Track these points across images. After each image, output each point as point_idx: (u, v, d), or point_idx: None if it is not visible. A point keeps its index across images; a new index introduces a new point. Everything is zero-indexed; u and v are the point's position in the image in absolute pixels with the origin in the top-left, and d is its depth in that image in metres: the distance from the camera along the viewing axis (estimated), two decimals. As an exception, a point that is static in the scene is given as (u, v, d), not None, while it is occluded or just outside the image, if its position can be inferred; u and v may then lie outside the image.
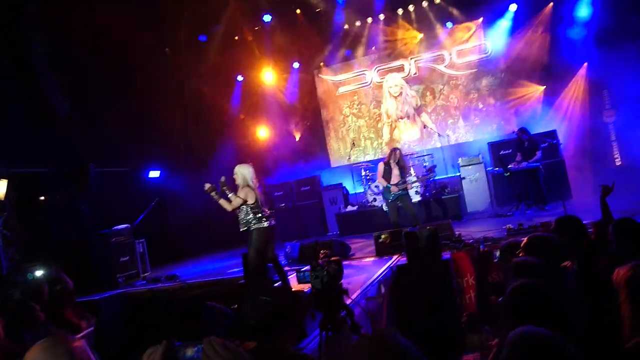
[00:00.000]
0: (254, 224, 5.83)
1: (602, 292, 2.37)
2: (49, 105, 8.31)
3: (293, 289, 5.30)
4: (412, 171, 9.46)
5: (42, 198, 8.76)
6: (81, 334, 4.79)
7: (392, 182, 8.11)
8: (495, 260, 3.23)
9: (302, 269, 4.12)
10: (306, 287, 4.13)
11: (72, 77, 9.18)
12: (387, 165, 8.25)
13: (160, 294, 7.36)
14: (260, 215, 5.84)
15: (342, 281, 2.81)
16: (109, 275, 8.10)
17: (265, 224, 5.85)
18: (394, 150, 8.46)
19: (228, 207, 5.79)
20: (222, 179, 5.92)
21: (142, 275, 8.76)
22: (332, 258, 2.68)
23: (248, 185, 5.86)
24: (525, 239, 2.88)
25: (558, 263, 2.68)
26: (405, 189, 8.19)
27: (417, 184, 9.78)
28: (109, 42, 9.65)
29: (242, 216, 5.87)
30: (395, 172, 8.16)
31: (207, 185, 5.82)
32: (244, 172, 5.92)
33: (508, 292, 1.93)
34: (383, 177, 8.24)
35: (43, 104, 8.42)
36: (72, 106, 8.73)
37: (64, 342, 1.79)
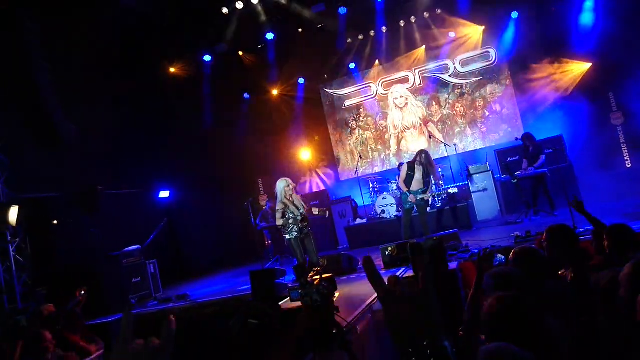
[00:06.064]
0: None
1: (595, 299, 2.35)
2: (54, 130, 8.45)
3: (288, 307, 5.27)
4: (433, 177, 8.47)
5: (55, 222, 8.89)
6: (90, 358, 4.86)
7: (412, 189, 7.81)
8: (496, 264, 3.21)
9: (293, 287, 4.08)
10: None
11: (79, 99, 9.30)
12: (411, 169, 7.84)
13: (170, 314, 7.37)
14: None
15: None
16: (121, 297, 8.16)
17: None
18: (420, 152, 7.94)
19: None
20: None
21: (154, 295, 8.81)
22: (324, 275, 2.69)
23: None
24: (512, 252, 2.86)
25: (542, 275, 2.66)
26: (423, 200, 7.90)
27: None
28: (115, 62, 9.80)
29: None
30: (418, 176, 7.80)
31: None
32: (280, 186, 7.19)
33: (487, 304, 1.92)
34: (405, 181, 7.88)
35: (49, 128, 8.55)
36: (78, 129, 8.86)
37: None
